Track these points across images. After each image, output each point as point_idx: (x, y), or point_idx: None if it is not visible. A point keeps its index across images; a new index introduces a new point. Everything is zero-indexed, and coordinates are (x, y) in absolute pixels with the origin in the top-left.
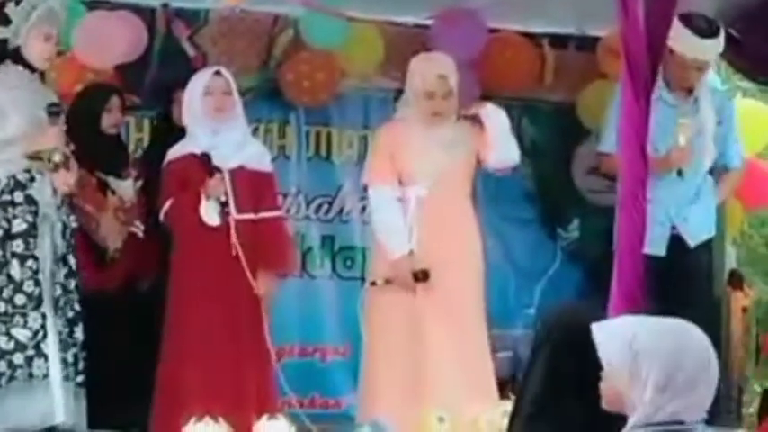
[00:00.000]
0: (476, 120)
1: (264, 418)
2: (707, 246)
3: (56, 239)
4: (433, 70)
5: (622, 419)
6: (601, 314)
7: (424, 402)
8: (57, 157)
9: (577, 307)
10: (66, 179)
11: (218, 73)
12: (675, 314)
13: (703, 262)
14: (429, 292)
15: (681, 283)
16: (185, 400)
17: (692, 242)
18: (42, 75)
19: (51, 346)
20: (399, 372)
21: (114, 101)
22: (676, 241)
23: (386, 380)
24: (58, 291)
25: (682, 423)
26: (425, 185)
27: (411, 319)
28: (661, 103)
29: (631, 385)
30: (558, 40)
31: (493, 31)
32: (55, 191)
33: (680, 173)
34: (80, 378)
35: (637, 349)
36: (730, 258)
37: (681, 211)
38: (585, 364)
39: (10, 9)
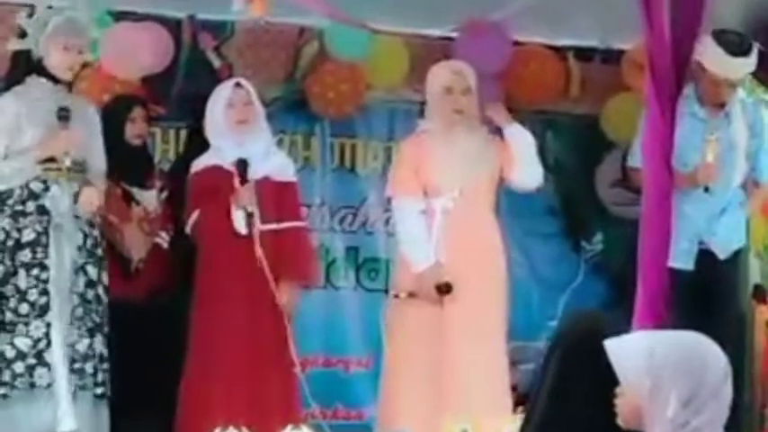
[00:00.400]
0: (500, 132)
1: (288, 428)
2: (736, 258)
3: (72, 249)
4: (448, 69)
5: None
6: (620, 324)
7: (445, 415)
8: (67, 162)
9: (593, 314)
10: (90, 197)
11: (238, 84)
12: (702, 328)
13: (732, 274)
14: (452, 304)
15: (710, 297)
16: (209, 411)
17: (721, 255)
18: (71, 85)
19: (57, 355)
20: (421, 384)
21: (138, 111)
22: (706, 255)
23: (408, 392)
24: (75, 300)
25: None
26: (451, 197)
27: (434, 332)
28: (691, 117)
29: (651, 400)
30: (583, 53)
31: (518, 43)
32: (75, 199)
33: (707, 189)
34: (99, 390)
35: (657, 364)
36: (754, 272)
37: (710, 227)
38: (597, 371)
39: (23, 21)
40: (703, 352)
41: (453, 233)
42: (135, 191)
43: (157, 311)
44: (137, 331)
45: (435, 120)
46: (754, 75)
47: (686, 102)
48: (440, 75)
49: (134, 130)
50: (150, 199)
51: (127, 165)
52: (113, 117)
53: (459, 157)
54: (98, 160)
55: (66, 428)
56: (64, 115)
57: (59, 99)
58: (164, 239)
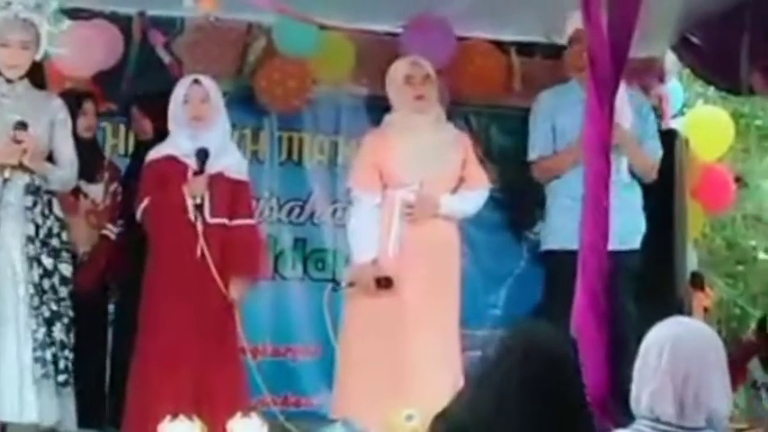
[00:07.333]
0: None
1: (238, 416)
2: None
3: (22, 240)
4: (407, 60)
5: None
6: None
7: (396, 401)
8: (25, 160)
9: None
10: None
11: (197, 81)
12: (640, 315)
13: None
14: (407, 294)
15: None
16: (158, 399)
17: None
18: (34, 80)
19: (8, 346)
20: (375, 372)
21: (88, 106)
22: None
23: (361, 380)
24: (31, 290)
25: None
26: (411, 189)
27: (388, 321)
28: (578, 104)
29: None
30: (525, 49)
31: (461, 38)
32: (26, 190)
33: None
34: (62, 377)
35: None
36: (692, 260)
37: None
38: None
39: None
40: (663, 329)
41: (411, 224)
42: (82, 184)
43: (109, 301)
44: (89, 321)
45: (399, 111)
46: (691, 68)
47: (572, 90)
48: (399, 67)
49: (84, 124)
50: (97, 192)
51: (78, 159)
52: None
53: (422, 150)
54: (65, 149)
55: (4, 419)
56: (20, 125)
57: (17, 95)
58: (111, 231)
